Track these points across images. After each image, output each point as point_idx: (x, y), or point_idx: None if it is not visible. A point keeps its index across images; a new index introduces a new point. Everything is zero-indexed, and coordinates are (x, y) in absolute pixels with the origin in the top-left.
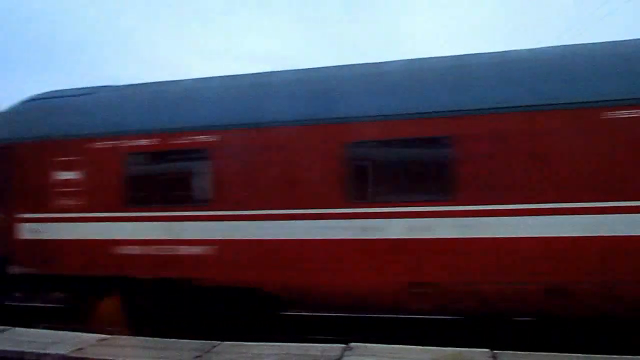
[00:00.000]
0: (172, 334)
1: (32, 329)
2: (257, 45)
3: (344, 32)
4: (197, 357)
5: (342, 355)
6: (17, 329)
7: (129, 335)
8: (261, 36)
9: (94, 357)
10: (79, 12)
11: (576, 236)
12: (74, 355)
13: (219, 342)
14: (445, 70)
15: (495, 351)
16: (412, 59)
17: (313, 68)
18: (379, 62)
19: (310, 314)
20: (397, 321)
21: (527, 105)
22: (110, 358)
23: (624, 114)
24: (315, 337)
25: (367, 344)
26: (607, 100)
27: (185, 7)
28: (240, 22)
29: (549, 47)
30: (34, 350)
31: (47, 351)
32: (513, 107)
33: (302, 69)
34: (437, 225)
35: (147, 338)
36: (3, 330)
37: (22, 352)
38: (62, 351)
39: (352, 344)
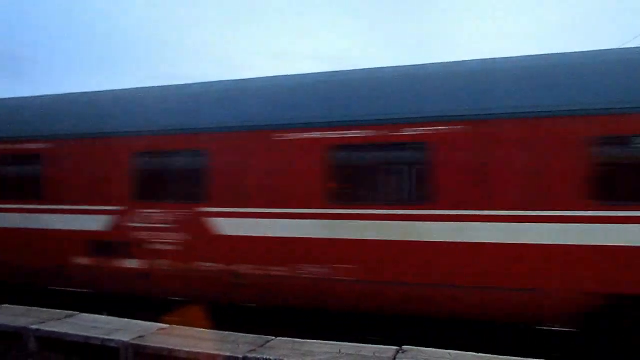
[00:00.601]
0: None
1: (97, 315)
2: (328, 45)
3: (423, 32)
4: (251, 350)
5: (395, 358)
6: (84, 314)
7: (187, 325)
8: (333, 36)
9: (154, 344)
10: (153, 15)
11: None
12: (135, 342)
13: (272, 337)
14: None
15: None
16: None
17: None
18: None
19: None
20: (450, 327)
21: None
22: (169, 347)
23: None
24: (367, 337)
25: (420, 348)
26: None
27: (258, 8)
28: (311, 22)
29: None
30: (99, 336)
31: (111, 337)
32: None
33: None
34: None
35: (203, 330)
36: (71, 316)
37: (88, 337)
38: (125, 338)
39: (405, 347)
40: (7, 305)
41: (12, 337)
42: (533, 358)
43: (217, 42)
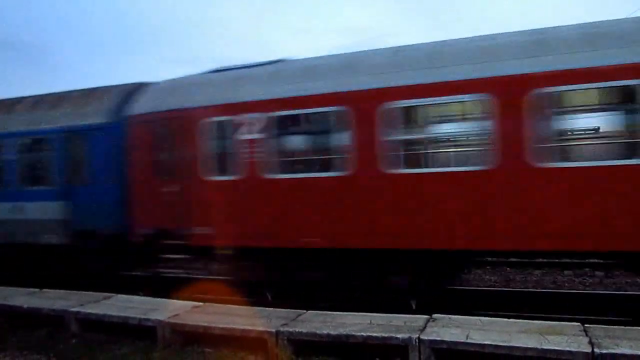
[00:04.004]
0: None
1: (133, 296)
2: (350, 19)
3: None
4: (283, 324)
5: (425, 326)
6: (120, 296)
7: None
8: (353, 10)
9: (188, 322)
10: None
11: None
12: (170, 320)
13: (304, 310)
14: None
15: (587, 325)
16: None
17: None
18: None
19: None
20: (478, 294)
21: None
22: (204, 324)
23: None
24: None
25: (451, 316)
26: None
27: None
28: None
29: None
30: (136, 316)
31: (148, 316)
32: None
33: None
34: None
35: (236, 306)
36: (109, 297)
37: (126, 317)
38: (160, 317)
39: (436, 315)
40: (47, 290)
41: (54, 319)
42: (562, 322)
43: (237, 20)
